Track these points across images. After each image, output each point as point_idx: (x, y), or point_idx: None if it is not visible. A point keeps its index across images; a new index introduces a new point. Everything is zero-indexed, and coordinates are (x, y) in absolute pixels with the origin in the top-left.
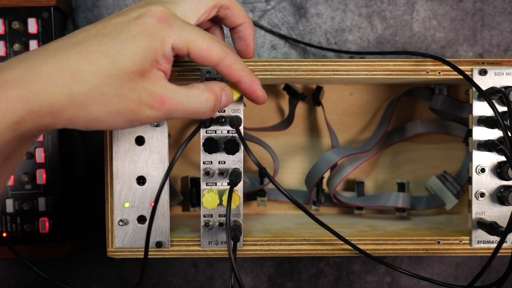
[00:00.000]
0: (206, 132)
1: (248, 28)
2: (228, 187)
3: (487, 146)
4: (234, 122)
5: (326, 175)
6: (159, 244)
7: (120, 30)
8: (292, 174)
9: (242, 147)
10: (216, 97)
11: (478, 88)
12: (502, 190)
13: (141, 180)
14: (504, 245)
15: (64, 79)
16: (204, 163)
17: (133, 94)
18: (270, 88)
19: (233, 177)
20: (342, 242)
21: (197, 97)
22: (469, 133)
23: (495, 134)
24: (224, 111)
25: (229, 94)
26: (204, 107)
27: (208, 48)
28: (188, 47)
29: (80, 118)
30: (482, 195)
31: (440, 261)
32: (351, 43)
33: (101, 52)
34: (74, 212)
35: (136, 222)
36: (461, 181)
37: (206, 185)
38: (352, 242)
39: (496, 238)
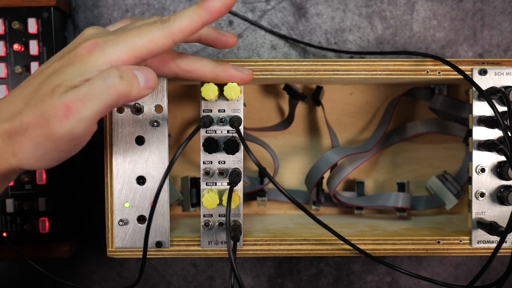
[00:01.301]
0: (206, 132)
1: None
2: (228, 187)
3: (487, 146)
4: (234, 122)
5: (326, 175)
6: (159, 244)
7: None
8: (292, 174)
9: (242, 147)
10: (120, 69)
11: (478, 88)
12: (502, 190)
13: (141, 180)
14: (504, 245)
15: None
16: (204, 163)
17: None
18: (270, 88)
19: (233, 177)
20: (342, 242)
21: (98, 78)
22: (469, 133)
23: (495, 134)
24: (224, 111)
25: (147, 71)
26: (108, 83)
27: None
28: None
29: None
30: (482, 195)
31: (440, 261)
32: (351, 43)
33: None
34: (74, 212)
35: (136, 222)
36: (461, 181)
37: (206, 185)
38: (352, 242)
39: (496, 238)
